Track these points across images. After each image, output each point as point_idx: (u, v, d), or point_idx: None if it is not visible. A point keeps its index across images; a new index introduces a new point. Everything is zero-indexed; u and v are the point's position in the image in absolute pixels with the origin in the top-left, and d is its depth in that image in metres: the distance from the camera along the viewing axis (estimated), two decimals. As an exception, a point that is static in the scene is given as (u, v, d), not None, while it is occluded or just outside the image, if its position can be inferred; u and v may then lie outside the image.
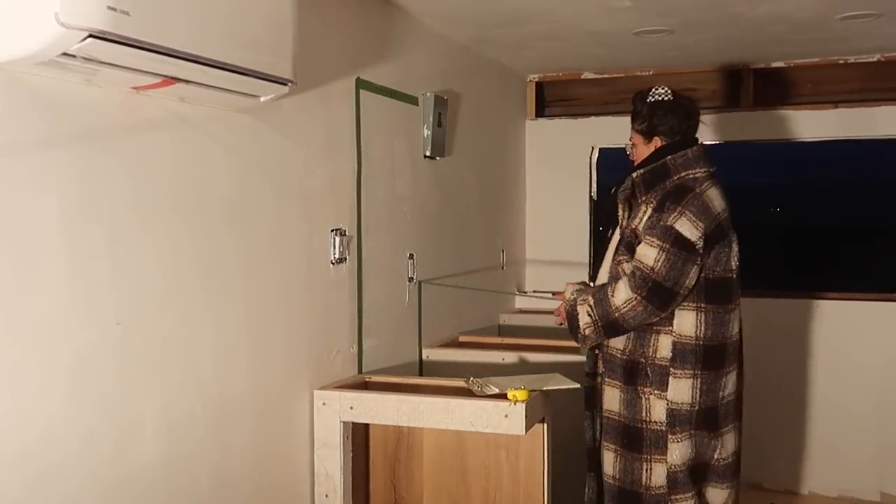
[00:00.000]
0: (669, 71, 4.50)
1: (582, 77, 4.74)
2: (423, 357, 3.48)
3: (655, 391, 2.53)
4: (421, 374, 3.42)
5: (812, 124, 4.35)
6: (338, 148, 2.85)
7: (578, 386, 2.73)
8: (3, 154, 1.66)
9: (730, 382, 2.58)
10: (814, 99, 4.38)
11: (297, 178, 2.62)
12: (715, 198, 2.54)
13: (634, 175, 2.64)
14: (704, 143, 2.72)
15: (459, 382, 2.74)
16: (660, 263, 2.46)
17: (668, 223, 2.47)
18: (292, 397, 2.61)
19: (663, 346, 2.53)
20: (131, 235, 1.97)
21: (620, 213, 2.72)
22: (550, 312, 2.95)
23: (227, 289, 2.30)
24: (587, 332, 2.62)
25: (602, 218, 4.31)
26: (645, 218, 2.54)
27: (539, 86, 4.84)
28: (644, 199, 2.59)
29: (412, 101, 3.37)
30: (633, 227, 2.58)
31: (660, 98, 2.66)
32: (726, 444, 2.59)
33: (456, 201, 3.84)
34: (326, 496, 2.65)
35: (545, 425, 2.68)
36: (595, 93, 4.77)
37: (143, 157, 2.00)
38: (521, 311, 4.53)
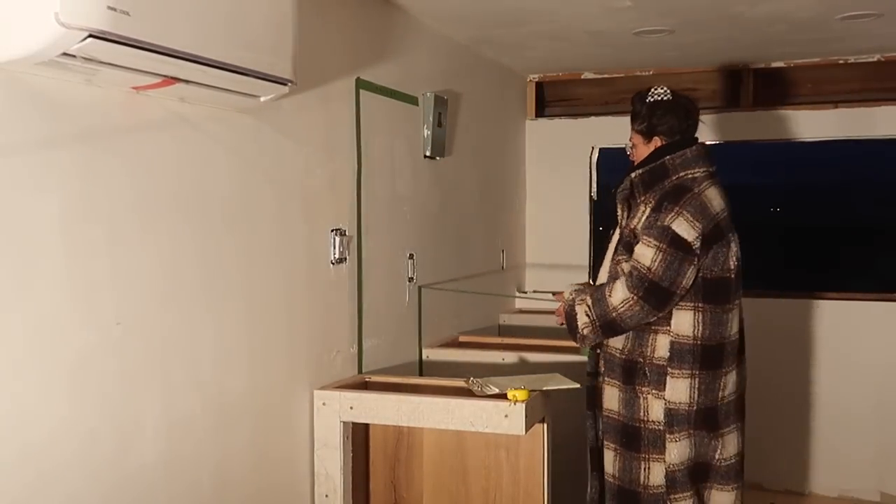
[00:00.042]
0: (669, 71, 4.51)
1: (582, 77, 4.74)
2: (423, 357, 3.48)
3: (653, 391, 2.53)
4: (421, 374, 3.42)
5: (812, 124, 4.35)
6: (338, 148, 2.85)
7: (578, 386, 2.73)
8: (3, 154, 1.66)
9: (729, 382, 2.58)
10: (814, 99, 4.38)
11: (297, 178, 2.62)
12: (714, 198, 2.54)
13: (633, 175, 2.65)
14: (705, 142, 2.72)
15: (459, 382, 2.74)
16: (656, 263, 2.47)
17: (665, 223, 2.48)
18: (292, 397, 2.61)
19: (661, 346, 2.53)
20: (131, 235, 1.97)
21: (619, 212, 2.73)
22: (550, 312, 2.95)
23: (227, 289, 2.30)
24: (585, 331, 2.62)
25: (602, 218, 4.31)
26: (643, 218, 2.55)
27: (539, 86, 4.84)
28: (643, 198, 2.59)
29: (412, 101, 3.37)
30: (632, 226, 2.58)
31: (659, 98, 2.66)
32: (728, 445, 2.59)
33: (456, 201, 3.84)
34: (326, 496, 2.65)
35: (545, 425, 2.68)
36: (595, 93, 4.77)
37: (143, 158, 2.00)
38: (521, 311, 4.53)
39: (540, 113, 4.86)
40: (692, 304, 2.51)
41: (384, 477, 2.93)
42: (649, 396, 2.54)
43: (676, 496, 2.53)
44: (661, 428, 2.53)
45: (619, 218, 2.73)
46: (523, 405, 2.45)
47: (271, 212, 2.50)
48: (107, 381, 1.91)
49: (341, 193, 2.87)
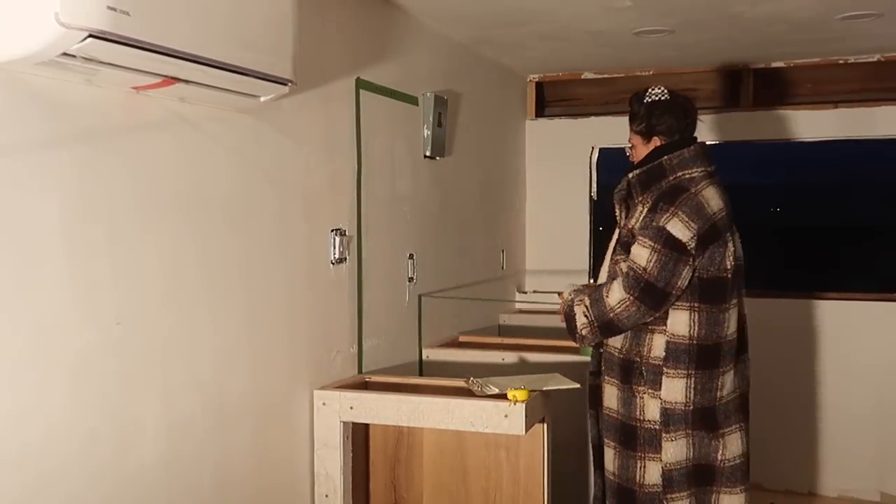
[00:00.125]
0: (669, 71, 4.51)
1: (582, 77, 4.74)
2: (423, 357, 3.48)
3: (649, 390, 2.54)
4: (421, 374, 3.42)
5: (812, 124, 4.35)
6: (338, 148, 2.85)
7: (578, 386, 2.73)
8: (3, 154, 1.66)
9: (727, 382, 2.57)
10: (814, 99, 4.38)
11: (297, 178, 2.62)
12: (711, 198, 2.54)
13: (630, 175, 2.65)
14: (704, 142, 2.72)
15: (459, 382, 2.74)
16: (651, 264, 2.47)
17: (660, 224, 2.48)
18: (292, 397, 2.61)
19: (657, 346, 2.54)
20: (132, 235, 1.97)
21: (618, 213, 2.73)
22: (550, 313, 2.95)
23: (227, 289, 2.30)
24: (584, 332, 2.63)
25: (602, 218, 4.31)
26: (640, 218, 2.55)
27: (539, 86, 4.84)
28: (640, 199, 2.60)
29: (412, 101, 3.37)
30: (630, 226, 2.59)
31: (656, 98, 2.66)
32: (730, 445, 2.58)
33: (456, 201, 3.84)
34: (326, 496, 2.65)
35: (545, 425, 2.68)
36: (595, 93, 4.77)
37: (143, 158, 2.00)
38: (521, 312, 4.53)
39: (540, 113, 4.86)
40: (688, 304, 2.51)
41: (384, 477, 2.94)
42: (645, 396, 2.55)
43: (673, 496, 2.53)
44: (658, 427, 2.53)
45: (618, 218, 2.73)
46: (523, 405, 2.45)
47: (271, 212, 2.50)
48: (107, 381, 1.91)
49: (341, 193, 2.87)
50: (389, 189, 3.20)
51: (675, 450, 2.52)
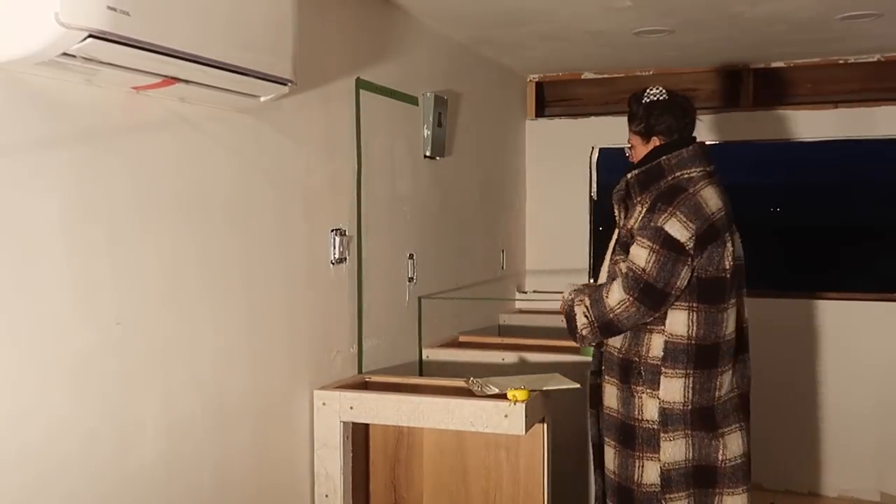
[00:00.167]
0: (669, 71, 4.51)
1: (582, 77, 4.74)
2: (423, 357, 3.48)
3: (648, 390, 2.54)
4: (421, 374, 3.42)
5: (812, 124, 4.35)
6: (338, 148, 2.85)
7: (578, 386, 2.74)
8: (3, 154, 1.66)
9: (725, 382, 2.57)
10: (813, 99, 4.38)
11: (297, 178, 2.62)
12: (710, 198, 2.54)
13: (629, 176, 2.65)
14: (705, 142, 2.72)
15: (459, 382, 2.74)
16: (650, 265, 2.47)
17: (658, 224, 2.48)
18: (292, 397, 2.61)
19: (655, 346, 2.54)
20: (132, 235, 1.97)
21: (616, 213, 2.74)
22: (550, 313, 2.95)
23: (227, 289, 2.30)
24: (584, 332, 2.63)
25: (602, 218, 4.31)
26: (639, 218, 2.55)
27: (539, 86, 4.84)
28: (639, 199, 2.60)
29: (412, 101, 3.37)
30: (629, 227, 2.59)
31: (655, 98, 2.66)
32: (730, 445, 2.58)
33: (456, 201, 3.84)
34: (326, 496, 2.65)
35: (545, 425, 2.68)
36: (595, 93, 4.77)
37: (143, 157, 2.00)
38: (521, 312, 4.53)
39: (540, 113, 4.86)
40: (686, 304, 2.51)
41: (384, 477, 2.94)
42: (644, 395, 2.55)
43: (671, 496, 2.53)
44: (656, 427, 2.53)
45: (617, 218, 2.73)
46: (523, 405, 2.45)
47: (271, 212, 2.50)
48: (107, 381, 1.91)
49: (341, 193, 2.87)
50: (389, 189, 3.20)
51: (673, 450, 2.52)
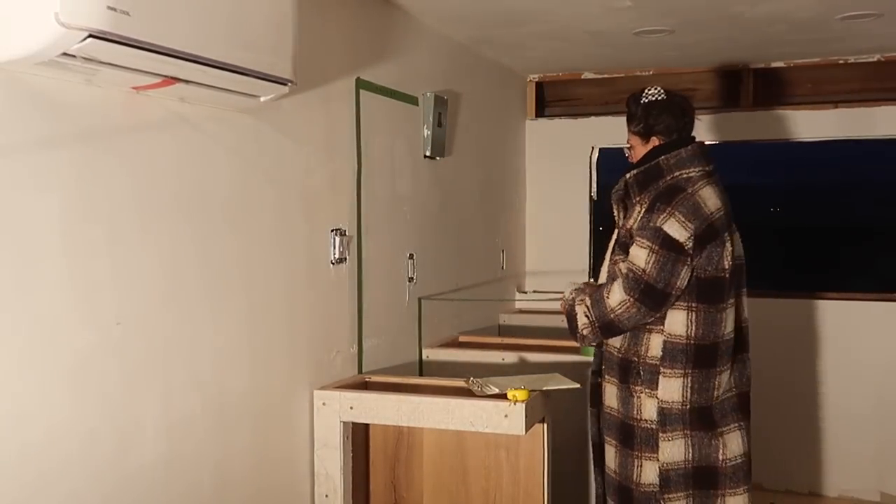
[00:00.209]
0: (669, 71, 4.51)
1: (582, 77, 4.74)
2: (423, 357, 3.48)
3: (646, 390, 2.54)
4: (421, 374, 3.42)
5: (812, 124, 4.35)
6: (338, 148, 2.85)
7: (578, 386, 2.74)
8: (3, 154, 1.66)
9: (723, 381, 2.57)
10: (813, 99, 4.38)
11: (297, 178, 2.62)
12: (709, 197, 2.54)
13: (628, 176, 2.65)
14: (704, 142, 2.72)
15: (459, 382, 2.74)
16: (650, 265, 2.47)
17: (657, 224, 2.49)
18: (292, 397, 2.61)
19: (654, 346, 2.54)
20: (132, 235, 1.97)
21: (616, 213, 2.74)
22: (550, 313, 2.95)
23: (227, 289, 2.30)
24: (585, 332, 2.63)
25: (602, 218, 4.31)
26: (638, 218, 2.55)
27: (539, 86, 4.84)
28: (638, 199, 2.60)
29: (412, 101, 3.37)
30: (628, 227, 2.59)
31: (653, 98, 2.66)
32: (730, 444, 2.58)
33: (456, 201, 3.84)
34: (326, 496, 2.65)
35: (545, 425, 2.68)
36: (595, 93, 4.77)
37: (143, 158, 2.00)
38: (521, 312, 4.53)
39: (540, 113, 4.86)
40: (685, 304, 2.51)
41: (384, 477, 2.94)
42: (642, 395, 2.55)
43: (670, 496, 2.53)
44: (654, 427, 2.53)
45: (616, 218, 2.74)
46: (523, 405, 2.45)
47: (271, 212, 2.50)
48: (107, 382, 1.91)
49: (341, 193, 2.87)
50: (389, 189, 3.20)
51: (672, 450, 2.52)
